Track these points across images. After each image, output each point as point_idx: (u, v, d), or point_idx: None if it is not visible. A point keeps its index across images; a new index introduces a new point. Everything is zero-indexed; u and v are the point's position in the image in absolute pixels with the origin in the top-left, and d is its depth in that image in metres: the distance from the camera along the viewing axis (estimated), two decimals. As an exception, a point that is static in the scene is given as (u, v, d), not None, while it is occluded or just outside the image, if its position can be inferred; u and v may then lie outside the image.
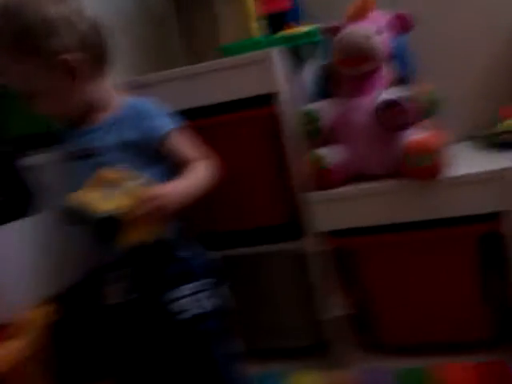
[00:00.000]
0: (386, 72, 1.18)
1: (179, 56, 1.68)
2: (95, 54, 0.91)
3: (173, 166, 0.97)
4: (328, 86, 1.25)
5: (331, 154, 1.14)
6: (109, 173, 0.89)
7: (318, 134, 1.16)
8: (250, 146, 1.20)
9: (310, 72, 1.31)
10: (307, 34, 1.24)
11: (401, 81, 1.21)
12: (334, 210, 1.14)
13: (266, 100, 1.13)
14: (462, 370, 1.13)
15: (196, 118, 1.13)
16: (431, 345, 1.20)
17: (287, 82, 1.17)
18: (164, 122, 0.96)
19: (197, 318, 0.94)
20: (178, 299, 0.94)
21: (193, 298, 0.94)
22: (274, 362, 1.30)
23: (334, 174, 1.13)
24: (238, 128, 1.19)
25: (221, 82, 1.16)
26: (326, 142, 1.16)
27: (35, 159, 1.02)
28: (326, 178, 1.13)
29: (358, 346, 1.24)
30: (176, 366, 0.98)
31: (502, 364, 1.11)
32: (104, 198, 0.87)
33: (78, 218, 0.88)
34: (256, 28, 1.32)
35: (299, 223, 1.19)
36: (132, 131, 0.94)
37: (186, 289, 0.95)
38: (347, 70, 1.15)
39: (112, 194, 0.87)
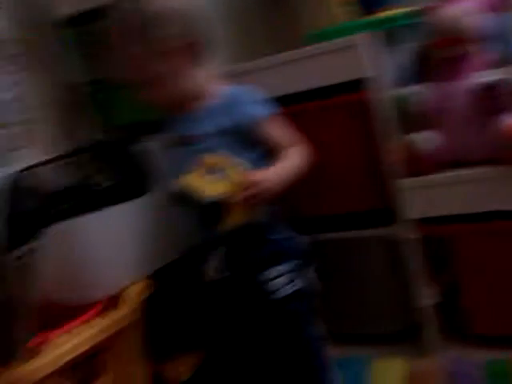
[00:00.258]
0: (485, 53, 1.14)
1: (266, 44, 1.71)
2: (204, 43, 0.97)
3: (267, 152, 1.00)
4: (422, 69, 1.22)
5: (425, 140, 1.12)
6: (211, 159, 0.93)
7: (410, 119, 1.15)
8: (342, 131, 1.20)
9: (403, 56, 1.29)
10: (401, 16, 1.22)
11: (502, 62, 1.16)
12: (427, 197, 1.12)
13: (358, 86, 1.13)
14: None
15: (288, 105, 1.16)
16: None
17: (378, 66, 1.16)
18: (258, 109, 0.99)
19: (287, 298, 0.97)
20: (270, 279, 0.97)
21: (284, 279, 0.98)
22: (360, 347, 1.30)
23: (428, 160, 1.11)
24: (329, 114, 1.20)
25: (312, 69, 1.18)
26: (419, 127, 1.14)
27: (146, 145, 1.11)
28: (419, 164, 1.12)
29: (446, 335, 1.22)
30: (266, 344, 1.02)
31: None
32: (210, 182, 0.92)
33: (186, 201, 0.95)
34: (345, 13, 1.32)
35: (391, 209, 1.18)
36: (228, 118, 0.97)
37: (278, 270, 0.98)
38: (443, 52, 1.12)
39: (216, 179, 0.92)
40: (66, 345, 0.89)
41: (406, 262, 1.20)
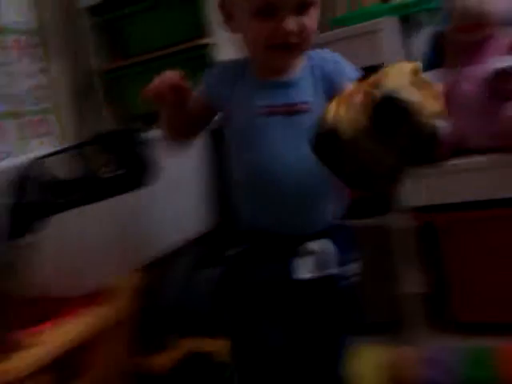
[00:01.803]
0: (507, 38, 1.11)
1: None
2: None
3: None
4: (440, 55, 1.20)
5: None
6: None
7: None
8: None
9: (424, 40, 1.27)
10: (421, 1, 1.20)
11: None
12: (420, 186, 1.12)
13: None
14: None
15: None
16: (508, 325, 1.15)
17: (400, 51, 1.15)
18: (351, 71, 0.84)
19: (352, 286, 0.89)
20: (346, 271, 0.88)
21: (354, 266, 0.90)
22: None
23: (441, 147, 1.10)
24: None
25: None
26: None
27: (152, 135, 1.12)
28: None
29: (432, 324, 1.23)
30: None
31: None
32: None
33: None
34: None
35: (384, 198, 1.19)
36: (327, 82, 0.83)
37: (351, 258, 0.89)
38: (463, 37, 1.11)
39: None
40: (53, 340, 0.90)
41: (396, 251, 1.21)
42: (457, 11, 1.07)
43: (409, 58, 1.20)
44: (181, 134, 0.90)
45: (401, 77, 0.62)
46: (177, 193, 1.19)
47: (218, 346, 1.15)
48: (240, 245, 0.89)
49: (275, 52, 0.78)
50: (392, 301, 1.25)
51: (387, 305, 1.28)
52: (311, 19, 0.77)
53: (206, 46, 1.56)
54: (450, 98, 1.11)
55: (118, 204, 1.08)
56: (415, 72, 0.63)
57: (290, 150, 0.81)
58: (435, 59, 1.20)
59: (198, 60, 1.53)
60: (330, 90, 0.81)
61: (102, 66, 1.78)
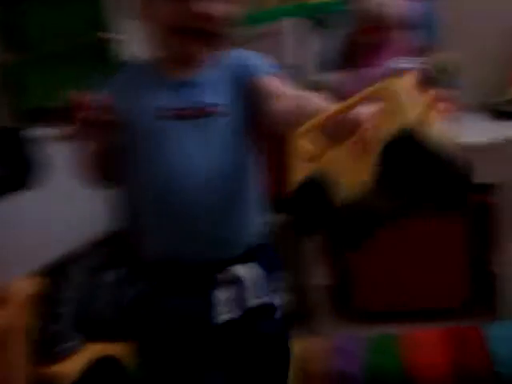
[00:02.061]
0: (405, 40, 1.17)
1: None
2: None
3: None
4: (347, 55, 1.24)
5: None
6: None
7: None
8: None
9: (327, 42, 1.30)
10: (329, 3, 1.22)
11: (424, 49, 1.20)
12: None
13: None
14: (433, 335, 1.18)
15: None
16: (411, 312, 1.26)
17: (303, 53, 1.16)
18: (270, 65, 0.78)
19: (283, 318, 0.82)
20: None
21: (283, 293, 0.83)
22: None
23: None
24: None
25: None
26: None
27: (41, 132, 1.03)
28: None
29: (339, 315, 1.30)
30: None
31: (475, 329, 1.17)
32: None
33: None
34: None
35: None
36: (236, 81, 0.76)
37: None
38: (367, 39, 1.15)
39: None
40: None
41: (303, 244, 1.25)
42: (359, 14, 1.11)
43: (313, 58, 1.22)
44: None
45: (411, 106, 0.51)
46: (74, 194, 1.12)
47: (124, 350, 1.12)
48: (144, 282, 0.75)
49: (184, 38, 0.70)
50: (299, 292, 1.29)
51: (295, 297, 1.32)
52: (225, 6, 0.70)
53: (107, 40, 1.47)
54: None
55: (11, 205, 1.00)
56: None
57: (200, 161, 0.71)
58: (341, 60, 1.24)
59: (99, 55, 1.44)
60: (244, 88, 0.75)
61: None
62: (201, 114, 0.72)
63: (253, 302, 0.73)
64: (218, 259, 0.73)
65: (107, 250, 1.19)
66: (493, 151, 1.07)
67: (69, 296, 1.11)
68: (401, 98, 0.52)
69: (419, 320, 1.24)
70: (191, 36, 0.70)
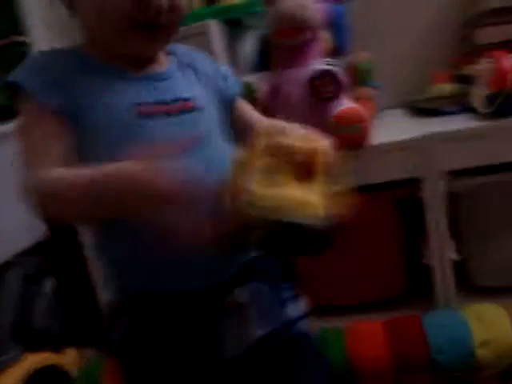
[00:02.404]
0: (322, 42, 1.21)
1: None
2: None
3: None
4: (266, 57, 1.27)
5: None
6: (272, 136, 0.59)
7: (254, 106, 1.20)
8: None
9: (250, 43, 1.34)
10: (246, 4, 1.26)
11: (337, 50, 1.24)
12: None
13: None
14: (374, 327, 1.21)
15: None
16: (349, 306, 1.29)
17: (226, 54, 1.19)
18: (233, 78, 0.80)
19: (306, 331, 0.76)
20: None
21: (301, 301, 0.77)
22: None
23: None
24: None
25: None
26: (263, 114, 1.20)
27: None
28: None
29: None
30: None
31: (413, 318, 1.20)
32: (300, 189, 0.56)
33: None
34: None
35: None
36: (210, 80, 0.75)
37: None
38: (283, 41, 1.18)
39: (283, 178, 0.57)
40: None
41: None
42: (274, 15, 1.14)
43: (235, 61, 1.25)
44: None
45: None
46: (4, 201, 1.12)
47: (64, 359, 1.12)
48: (130, 319, 0.64)
49: (139, 34, 0.63)
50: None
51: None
52: None
53: (22, 43, 1.47)
54: (276, 99, 1.20)
55: None
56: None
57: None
58: (261, 62, 1.27)
59: (13, 58, 1.44)
60: (215, 90, 0.74)
61: None
62: (186, 108, 0.67)
63: (264, 328, 0.65)
64: (220, 281, 0.64)
65: (43, 258, 1.19)
66: (413, 147, 1.12)
67: (5, 305, 1.11)
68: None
69: (361, 312, 1.28)
70: (148, 32, 0.64)
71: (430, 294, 1.24)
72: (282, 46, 1.19)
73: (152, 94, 0.66)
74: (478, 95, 1.15)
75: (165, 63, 0.72)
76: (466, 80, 1.28)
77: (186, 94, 0.69)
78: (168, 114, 0.66)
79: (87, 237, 1.30)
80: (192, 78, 0.73)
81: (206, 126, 0.69)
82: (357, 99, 1.17)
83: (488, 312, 1.17)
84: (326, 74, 1.11)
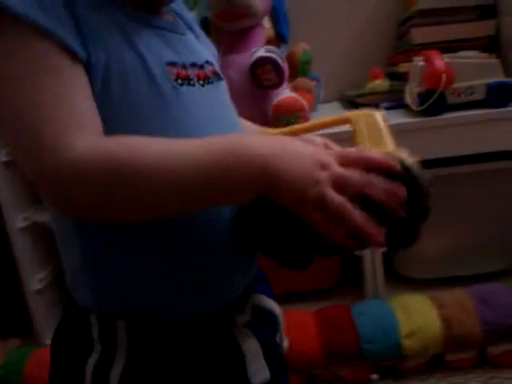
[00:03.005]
0: (264, 29, 1.21)
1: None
2: None
3: None
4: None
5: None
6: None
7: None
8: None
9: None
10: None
11: (278, 39, 1.24)
12: None
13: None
14: (306, 316, 1.23)
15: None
16: (282, 295, 1.28)
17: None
18: None
19: None
20: None
21: None
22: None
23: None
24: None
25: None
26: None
27: None
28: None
29: None
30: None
31: (344, 308, 1.23)
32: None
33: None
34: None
35: None
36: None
37: None
38: (224, 25, 1.16)
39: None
40: None
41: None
42: None
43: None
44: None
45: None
46: None
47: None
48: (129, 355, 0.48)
49: None
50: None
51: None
52: None
53: None
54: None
55: None
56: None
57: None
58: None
59: None
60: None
61: None
62: (216, 74, 0.56)
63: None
64: (239, 294, 0.54)
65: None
66: (344, 140, 1.13)
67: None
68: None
69: (294, 301, 1.28)
70: None
71: (361, 284, 1.27)
72: (223, 30, 1.17)
73: (184, 52, 0.52)
74: (411, 93, 1.18)
75: (168, 15, 0.55)
76: (401, 77, 1.32)
77: (209, 57, 0.56)
78: (202, 80, 0.52)
79: (15, 219, 1.23)
80: (196, 34, 0.59)
81: (226, 97, 0.57)
82: (296, 90, 1.17)
83: (414, 302, 1.21)
84: (267, 62, 1.11)
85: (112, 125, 0.44)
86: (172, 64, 0.49)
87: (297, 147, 0.43)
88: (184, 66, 0.50)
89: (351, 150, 0.45)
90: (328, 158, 0.42)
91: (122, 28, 0.47)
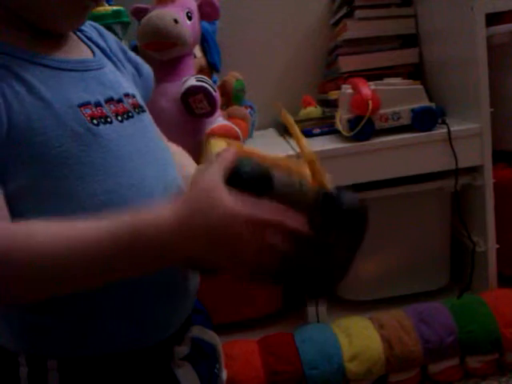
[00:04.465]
0: (195, 58, 1.20)
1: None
2: None
3: None
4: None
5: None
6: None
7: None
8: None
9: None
10: (114, 13, 1.21)
11: (209, 68, 1.24)
12: None
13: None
14: (250, 345, 1.21)
15: None
16: (225, 324, 1.25)
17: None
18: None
19: None
20: None
21: None
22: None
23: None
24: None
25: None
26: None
27: None
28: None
29: None
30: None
31: (287, 335, 1.21)
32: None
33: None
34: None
35: None
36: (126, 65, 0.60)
37: None
38: (154, 54, 1.15)
39: None
40: None
41: None
42: (147, 28, 1.10)
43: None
44: None
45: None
46: None
47: None
48: None
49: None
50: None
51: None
52: None
53: None
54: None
55: None
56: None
57: (154, 178, 0.50)
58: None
59: None
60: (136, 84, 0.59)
61: None
62: (136, 106, 0.54)
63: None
64: (178, 323, 0.54)
65: None
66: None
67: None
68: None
69: (238, 330, 1.27)
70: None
71: (304, 310, 1.26)
72: (153, 59, 1.15)
73: (98, 89, 0.50)
74: (342, 119, 1.21)
75: (80, 46, 0.54)
76: (332, 104, 1.36)
77: (129, 89, 0.54)
78: (121, 115, 0.51)
79: None
80: (117, 65, 0.57)
81: (151, 129, 0.56)
82: (230, 117, 1.17)
83: (355, 325, 1.22)
84: (198, 91, 1.10)
85: (21, 182, 0.43)
86: (84, 105, 0.47)
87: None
88: (99, 104, 0.49)
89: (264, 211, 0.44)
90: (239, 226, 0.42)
91: (16, 74, 0.44)
